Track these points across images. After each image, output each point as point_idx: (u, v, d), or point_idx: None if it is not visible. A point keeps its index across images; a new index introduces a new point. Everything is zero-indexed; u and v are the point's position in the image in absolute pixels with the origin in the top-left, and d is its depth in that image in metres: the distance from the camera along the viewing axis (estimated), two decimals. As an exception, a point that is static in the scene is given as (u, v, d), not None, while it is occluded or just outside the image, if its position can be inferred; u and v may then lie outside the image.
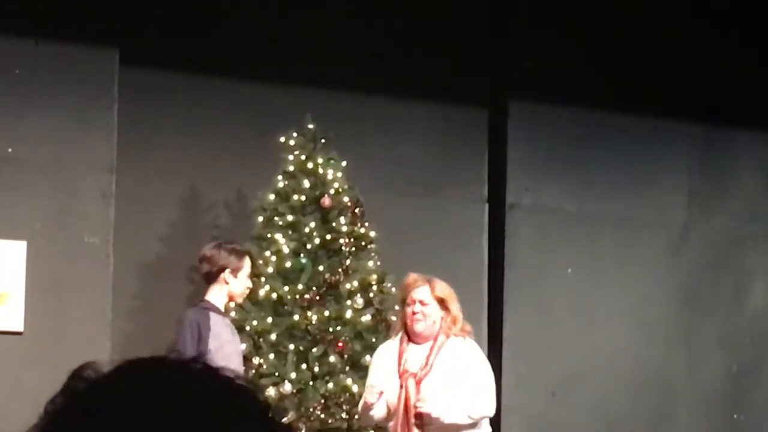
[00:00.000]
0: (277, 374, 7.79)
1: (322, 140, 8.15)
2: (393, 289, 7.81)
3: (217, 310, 7.14)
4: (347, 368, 7.87)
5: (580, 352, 9.55)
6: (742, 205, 10.25)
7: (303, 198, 8.05)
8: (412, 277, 6.87)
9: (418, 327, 6.72)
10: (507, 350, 9.28)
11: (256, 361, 7.79)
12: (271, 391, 7.66)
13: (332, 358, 7.84)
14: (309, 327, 7.86)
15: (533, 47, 9.56)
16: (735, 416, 10.11)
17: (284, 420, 7.24)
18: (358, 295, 7.94)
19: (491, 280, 9.42)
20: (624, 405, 9.69)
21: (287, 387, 7.74)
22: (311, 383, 7.81)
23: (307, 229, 8.00)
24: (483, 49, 9.52)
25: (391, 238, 8.42)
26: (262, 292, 7.85)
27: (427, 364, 6.66)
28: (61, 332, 7.90)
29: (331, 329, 7.85)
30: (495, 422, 7.19)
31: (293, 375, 7.78)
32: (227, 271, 7.15)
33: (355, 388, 7.71)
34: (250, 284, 7.36)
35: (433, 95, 9.29)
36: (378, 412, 6.71)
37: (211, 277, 7.20)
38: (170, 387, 1.20)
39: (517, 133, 9.50)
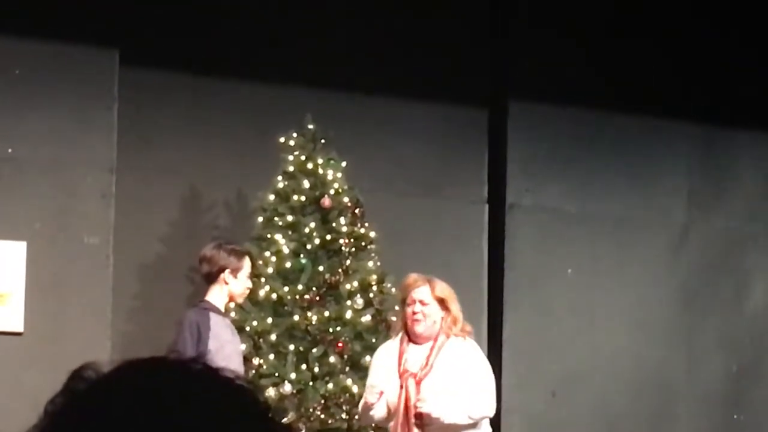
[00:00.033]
0: (277, 375, 7.79)
1: (322, 140, 8.15)
2: (393, 290, 7.80)
3: (217, 311, 7.13)
4: (347, 369, 7.86)
5: (580, 352, 9.55)
6: (741, 205, 10.25)
7: (303, 198, 8.05)
8: (412, 277, 6.87)
9: (419, 327, 6.71)
10: (507, 350, 9.27)
11: (256, 361, 7.78)
12: (271, 392, 7.65)
13: (332, 359, 7.83)
14: (309, 327, 7.85)
15: (533, 47, 9.55)
16: (735, 416, 10.11)
17: (284, 420, 7.24)
18: (358, 295, 7.94)
19: (491, 280, 9.42)
20: (624, 405, 9.68)
21: (287, 387, 7.74)
22: (311, 384, 7.81)
23: (307, 230, 7.99)
24: (483, 49, 9.52)
25: (391, 239, 8.41)
26: (262, 293, 7.85)
27: (427, 364, 6.66)
28: (61, 332, 7.90)
29: (331, 330, 7.85)
30: (495, 422, 7.18)
31: (293, 375, 7.78)
32: (227, 271, 7.15)
33: (355, 389, 7.70)
34: (250, 285, 7.35)
35: (433, 95, 9.29)
36: (378, 412, 6.71)
37: (211, 278, 7.20)
38: (170, 387, 1.20)
39: (517, 133, 9.49)
